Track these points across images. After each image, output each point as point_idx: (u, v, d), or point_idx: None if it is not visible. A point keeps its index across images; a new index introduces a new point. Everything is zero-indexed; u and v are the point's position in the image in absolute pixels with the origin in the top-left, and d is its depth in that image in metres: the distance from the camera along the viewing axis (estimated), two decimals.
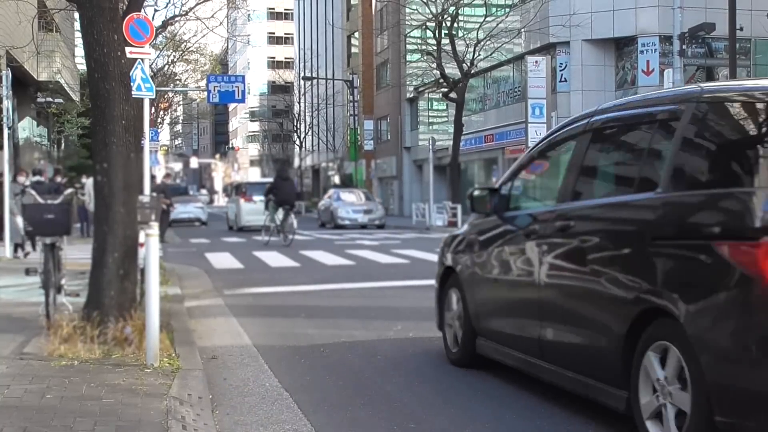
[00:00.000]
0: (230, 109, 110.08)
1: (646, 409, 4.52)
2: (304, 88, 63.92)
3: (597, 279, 5.00)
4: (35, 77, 25.58)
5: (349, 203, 35.73)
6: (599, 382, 5.04)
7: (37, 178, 20.23)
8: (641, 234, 4.67)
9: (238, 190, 35.78)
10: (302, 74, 63.76)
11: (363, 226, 33.74)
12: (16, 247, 16.99)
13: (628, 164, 5.33)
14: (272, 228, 22.87)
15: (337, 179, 61.54)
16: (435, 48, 33.56)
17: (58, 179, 23.64)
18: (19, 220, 16.08)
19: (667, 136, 4.81)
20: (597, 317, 5.02)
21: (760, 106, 4.30)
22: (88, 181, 19.49)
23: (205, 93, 21.84)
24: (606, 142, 5.61)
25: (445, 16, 32.87)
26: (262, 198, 24.98)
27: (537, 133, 30.93)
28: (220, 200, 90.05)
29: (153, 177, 28.28)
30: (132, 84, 9.04)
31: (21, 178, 18.63)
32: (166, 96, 48.53)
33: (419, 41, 39.66)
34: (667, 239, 4.48)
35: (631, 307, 4.63)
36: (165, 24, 23.34)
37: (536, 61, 31.27)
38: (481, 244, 6.66)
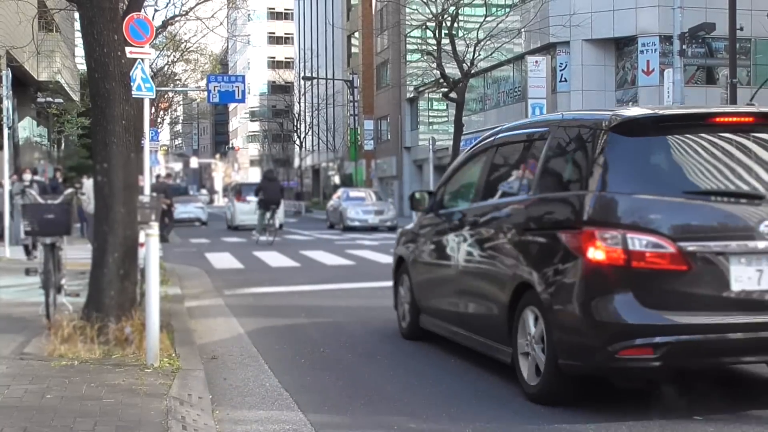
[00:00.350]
0: (230, 109, 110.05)
1: (521, 358, 5.97)
2: (304, 88, 63.92)
3: (491, 261, 6.45)
4: (35, 77, 25.58)
5: (359, 204, 33.50)
6: (495, 342, 6.44)
7: (36, 177, 20.24)
8: (517, 226, 6.11)
9: (233, 190, 36.48)
10: (302, 74, 63.75)
11: (374, 228, 31.75)
12: (26, 248, 16.88)
13: (515, 173, 6.68)
14: (263, 226, 23.99)
15: (337, 179, 61.53)
16: (435, 48, 33.52)
17: (58, 179, 23.64)
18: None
19: (537, 151, 6.24)
20: (491, 291, 6.43)
21: (586, 132, 5.77)
22: (87, 182, 19.49)
23: (205, 93, 21.86)
24: (502, 155, 7.03)
25: (445, 16, 32.83)
26: (254, 198, 26.09)
27: None
28: (220, 200, 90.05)
29: (158, 176, 28.27)
30: (132, 84, 9.03)
31: (27, 176, 18.61)
32: (166, 96, 48.53)
33: (419, 41, 39.62)
34: (532, 230, 5.94)
35: (511, 282, 6.05)
36: (165, 24, 23.30)
37: (536, 61, 31.28)
38: (421, 236, 8.13)
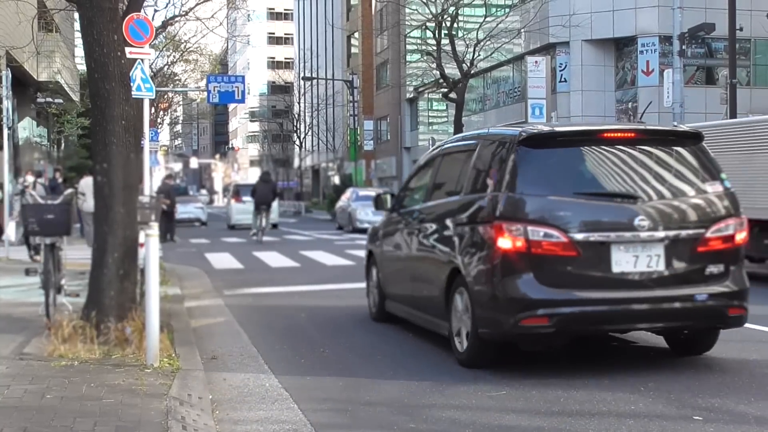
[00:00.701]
0: (230, 110, 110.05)
1: (454, 330, 7.18)
2: (304, 89, 63.93)
3: (434, 251, 7.72)
4: (35, 77, 25.55)
5: (370, 204, 32.21)
6: (438, 319, 7.65)
7: (40, 180, 20.22)
8: (452, 221, 7.37)
9: (232, 191, 37.43)
10: (302, 74, 63.78)
11: None
12: (29, 246, 16.82)
13: (454, 177, 7.86)
14: (256, 226, 25.30)
15: (336, 179, 61.52)
16: (435, 48, 33.53)
17: (58, 179, 23.63)
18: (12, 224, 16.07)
19: (468, 160, 7.54)
20: (434, 277, 7.63)
21: (501, 145, 7.03)
22: (82, 181, 19.52)
23: (205, 93, 21.84)
24: (445, 163, 8.35)
25: (445, 17, 32.85)
26: (250, 198, 26.95)
27: None
28: (220, 200, 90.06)
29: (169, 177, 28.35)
30: (132, 84, 9.04)
31: (30, 178, 18.60)
32: (165, 96, 48.52)
33: (419, 41, 39.64)
34: (461, 224, 7.16)
35: (446, 268, 7.31)
36: (165, 24, 23.32)
37: (536, 62, 31.27)
38: (386, 232, 9.37)
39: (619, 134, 7.06)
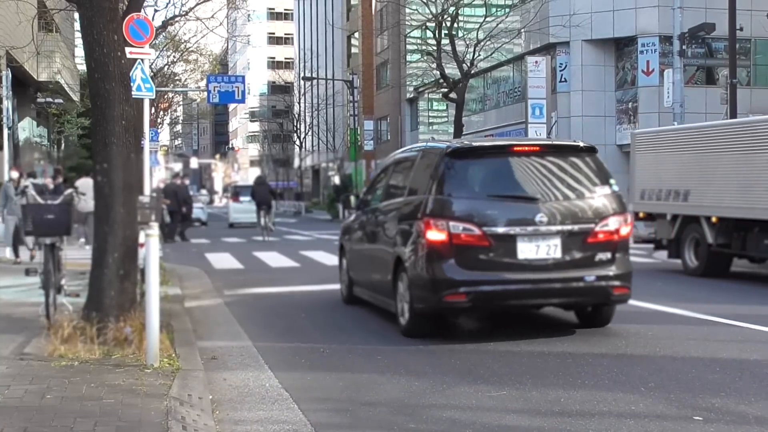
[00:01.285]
0: (230, 110, 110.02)
1: (399, 308, 8.64)
2: (304, 89, 63.91)
3: (385, 242, 9.20)
4: (35, 77, 25.57)
5: None
6: (388, 299, 9.04)
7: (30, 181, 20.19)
8: (397, 218, 8.90)
9: (231, 191, 38.94)
10: (302, 74, 63.75)
11: None
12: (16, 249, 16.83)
13: (402, 182, 9.42)
14: (260, 226, 26.35)
15: (337, 179, 61.53)
16: (435, 48, 33.50)
17: (58, 179, 23.62)
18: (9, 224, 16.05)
19: (411, 168, 9.16)
20: (384, 264, 9.05)
21: (434, 156, 8.60)
22: (79, 181, 19.53)
23: (205, 93, 21.84)
24: (397, 169, 9.88)
25: (445, 17, 32.82)
26: (248, 198, 28.51)
27: (537, 133, 30.90)
28: (221, 200, 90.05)
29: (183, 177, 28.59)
30: (132, 84, 9.04)
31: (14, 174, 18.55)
32: (166, 96, 48.46)
33: (419, 41, 39.61)
34: (403, 220, 8.70)
35: (392, 256, 8.81)
36: (165, 24, 23.28)
37: (536, 61, 31.23)
38: (352, 228, 10.89)
39: (526, 148, 8.57)
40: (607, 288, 8.17)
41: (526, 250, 7.97)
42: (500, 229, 7.98)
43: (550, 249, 8.02)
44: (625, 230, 8.33)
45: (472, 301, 7.98)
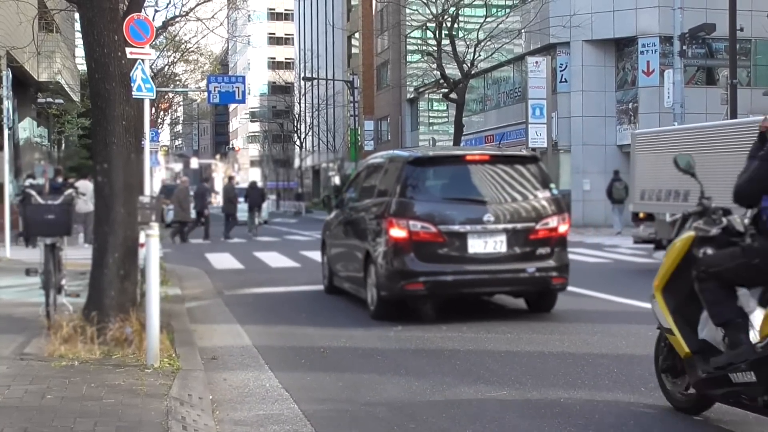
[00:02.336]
0: (230, 110, 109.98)
1: (368, 295, 9.85)
2: (305, 89, 63.89)
3: (357, 238, 10.38)
4: (35, 78, 25.55)
5: None
6: (360, 287, 10.26)
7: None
8: (367, 216, 10.10)
9: None
10: (302, 75, 63.71)
11: None
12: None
13: (372, 184, 10.54)
14: (251, 225, 29.13)
15: (337, 180, 61.51)
16: (435, 48, 33.49)
17: (59, 179, 23.62)
18: None
19: (379, 173, 10.39)
20: (357, 257, 10.23)
21: (398, 164, 9.83)
22: (79, 182, 19.54)
23: (206, 93, 21.81)
24: (369, 174, 11.10)
25: (446, 17, 32.81)
26: (241, 200, 30.62)
27: (537, 133, 30.88)
28: (221, 200, 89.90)
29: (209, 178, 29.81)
30: (132, 84, 9.04)
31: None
32: (166, 96, 48.45)
33: (419, 42, 39.60)
34: (371, 219, 9.87)
35: (363, 251, 9.98)
36: (165, 24, 23.30)
37: (536, 62, 31.21)
38: (332, 225, 12.01)
39: (477, 157, 9.78)
40: (546, 278, 9.41)
41: (476, 246, 9.19)
42: (453, 227, 9.19)
43: (496, 244, 9.24)
44: (562, 228, 9.54)
45: (429, 290, 9.26)
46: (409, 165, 9.60)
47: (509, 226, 9.21)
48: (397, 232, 9.19)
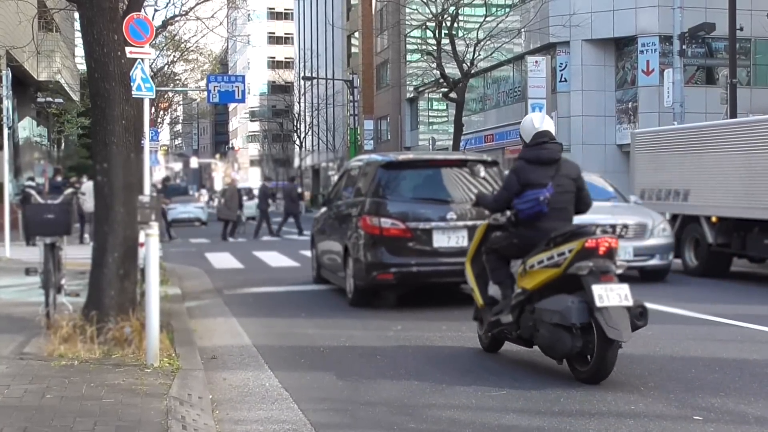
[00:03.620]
0: (230, 109, 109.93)
1: (347, 285, 10.93)
2: (304, 88, 63.84)
3: (338, 234, 11.43)
4: (35, 77, 25.55)
5: None
6: (341, 278, 11.30)
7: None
8: (346, 214, 11.17)
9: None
10: (302, 74, 63.66)
11: None
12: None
13: (351, 185, 11.64)
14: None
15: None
16: (435, 48, 33.47)
17: (58, 179, 23.63)
18: None
19: (358, 175, 11.50)
20: (338, 251, 11.33)
21: (372, 167, 10.92)
22: (87, 183, 19.55)
23: (205, 93, 21.83)
24: (349, 176, 12.12)
25: (445, 16, 32.78)
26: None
27: None
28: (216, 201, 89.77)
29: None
30: (132, 84, 9.02)
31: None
32: (166, 96, 48.42)
33: (419, 41, 39.56)
34: (349, 217, 10.92)
35: (342, 245, 11.05)
36: (165, 24, 23.24)
37: (536, 61, 31.22)
38: (320, 221, 13.06)
39: (443, 161, 10.91)
40: None
41: (440, 240, 10.22)
42: (420, 224, 10.26)
43: (458, 239, 10.21)
44: None
45: (398, 280, 10.34)
46: (382, 168, 10.72)
47: (470, 222, 10.04)
48: (370, 229, 10.31)
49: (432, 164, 10.83)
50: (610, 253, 6.38)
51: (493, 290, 7.26)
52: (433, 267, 10.24)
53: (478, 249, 7.43)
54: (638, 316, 6.28)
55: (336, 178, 13.21)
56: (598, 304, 6.07)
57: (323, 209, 13.24)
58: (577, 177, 7.07)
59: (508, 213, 7.06)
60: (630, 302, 6.21)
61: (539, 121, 7.16)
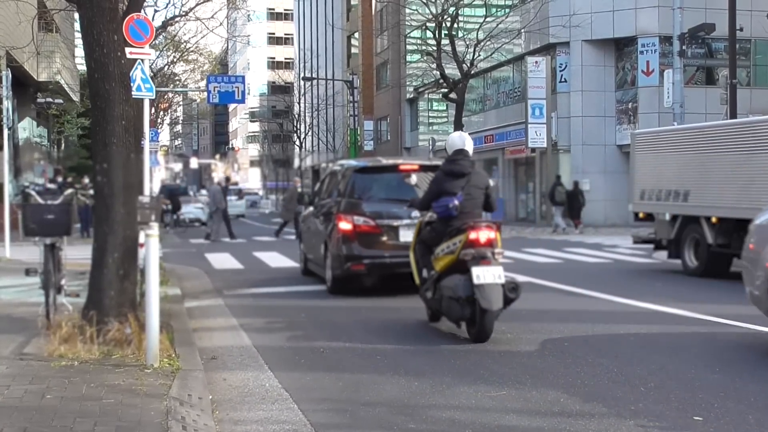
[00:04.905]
0: (230, 110, 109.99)
1: (326, 275, 12.30)
2: (304, 89, 63.86)
3: (320, 229, 12.72)
4: (35, 78, 25.58)
5: None
6: (322, 269, 12.59)
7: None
8: (327, 212, 12.47)
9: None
10: (302, 75, 63.68)
11: None
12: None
13: (332, 187, 13.06)
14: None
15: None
16: (435, 48, 33.51)
17: (58, 179, 23.63)
18: None
19: (337, 177, 13.02)
20: (319, 245, 12.63)
21: (348, 171, 12.50)
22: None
23: (205, 93, 21.83)
24: (331, 177, 13.61)
25: (445, 17, 32.83)
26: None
27: (537, 133, 30.89)
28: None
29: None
30: (132, 84, 9.02)
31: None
32: (166, 96, 48.47)
33: (419, 42, 39.61)
34: (328, 214, 12.34)
35: (323, 239, 12.41)
36: (165, 24, 23.30)
37: (536, 62, 31.25)
38: (306, 218, 14.72)
39: (408, 167, 11.78)
40: None
41: (405, 236, 11.27)
42: (388, 222, 11.59)
43: None
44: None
45: (369, 270, 11.66)
46: (356, 173, 12.29)
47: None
48: (345, 225, 11.69)
49: (399, 170, 11.91)
50: (490, 243, 8.19)
51: (425, 271, 9.00)
52: (399, 259, 11.06)
53: (416, 240, 9.32)
54: (511, 290, 8.06)
55: (323, 177, 14.66)
56: (476, 282, 7.91)
57: (310, 209, 14.48)
58: (486, 186, 8.93)
59: (430, 213, 8.94)
60: (503, 280, 7.97)
61: (461, 141, 8.95)
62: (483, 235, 8.15)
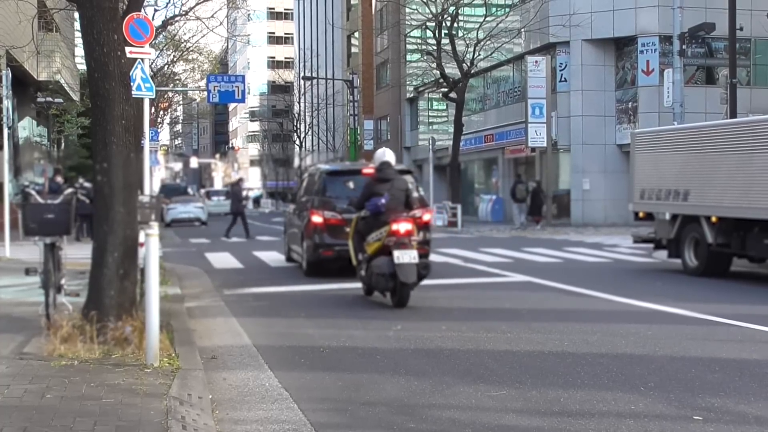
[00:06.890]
0: (230, 109, 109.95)
1: (303, 261, 14.80)
2: (304, 88, 63.89)
3: (298, 222, 15.22)
4: (35, 77, 25.56)
5: None
6: (300, 257, 15.18)
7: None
8: (301, 208, 15.36)
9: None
10: (302, 74, 63.71)
11: None
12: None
13: (308, 186, 15.52)
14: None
15: None
16: (435, 48, 33.50)
17: (58, 179, 23.62)
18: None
19: (313, 178, 15.60)
20: (298, 236, 15.10)
21: (322, 173, 14.95)
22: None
23: (205, 93, 21.84)
24: (309, 178, 16.13)
25: (445, 16, 32.82)
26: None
27: (537, 133, 30.86)
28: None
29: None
30: (132, 84, 9.02)
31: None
32: (166, 96, 48.44)
33: (419, 41, 39.58)
34: (304, 210, 14.98)
35: (300, 231, 14.93)
36: (165, 24, 23.26)
37: (536, 61, 31.22)
38: (288, 213, 17.21)
39: (369, 170, 12.65)
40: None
41: None
42: (352, 216, 12.06)
43: None
44: (426, 217, 13.73)
45: (336, 255, 13.53)
46: (327, 175, 14.60)
47: None
48: (316, 219, 13.89)
49: (363, 173, 13.57)
50: (408, 233, 10.56)
51: (360, 255, 11.23)
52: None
53: (354, 231, 11.47)
54: (423, 268, 10.54)
55: (302, 178, 16.90)
56: (397, 261, 10.32)
57: (292, 206, 17.20)
58: (406, 188, 11.39)
59: (364, 210, 11.19)
60: (416, 261, 10.38)
61: (383, 155, 11.59)
62: (402, 226, 10.56)
